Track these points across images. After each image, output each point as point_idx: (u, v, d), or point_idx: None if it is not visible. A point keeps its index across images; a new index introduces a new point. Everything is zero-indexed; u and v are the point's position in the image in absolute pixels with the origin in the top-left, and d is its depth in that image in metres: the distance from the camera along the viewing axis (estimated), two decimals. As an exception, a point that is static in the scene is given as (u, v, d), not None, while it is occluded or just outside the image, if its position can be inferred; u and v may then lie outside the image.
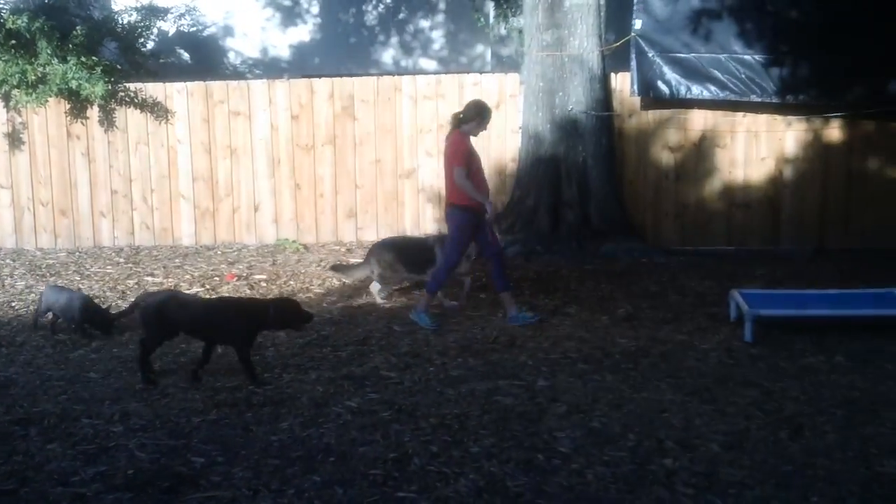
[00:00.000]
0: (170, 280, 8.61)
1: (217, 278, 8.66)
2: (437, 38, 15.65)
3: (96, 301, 7.06)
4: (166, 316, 5.43)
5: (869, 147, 9.71)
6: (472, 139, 6.82)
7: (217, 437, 4.53)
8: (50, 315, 6.79)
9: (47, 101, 10.12)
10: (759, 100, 9.46)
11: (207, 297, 7.75)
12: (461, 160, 6.62)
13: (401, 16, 15.62)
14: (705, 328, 6.61)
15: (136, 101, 10.40)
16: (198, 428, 4.65)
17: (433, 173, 10.10)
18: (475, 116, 6.76)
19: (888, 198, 9.71)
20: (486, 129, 6.96)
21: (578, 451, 4.26)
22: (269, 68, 15.12)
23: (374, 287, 7.66)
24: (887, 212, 9.70)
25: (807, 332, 6.43)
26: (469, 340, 6.35)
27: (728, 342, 6.21)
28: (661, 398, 5.03)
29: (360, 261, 8.13)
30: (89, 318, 6.58)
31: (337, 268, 8.26)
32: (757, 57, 9.44)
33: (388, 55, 15.55)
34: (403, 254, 7.62)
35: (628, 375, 5.46)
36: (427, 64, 15.38)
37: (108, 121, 10.42)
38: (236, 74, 15.18)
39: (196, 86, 10.52)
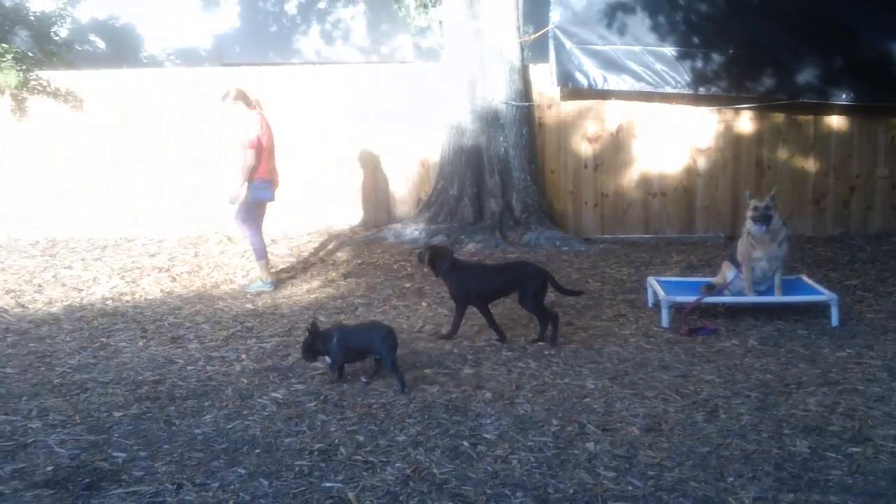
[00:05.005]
0: (88, 272, 8.38)
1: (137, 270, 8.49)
2: (359, 28, 15.57)
3: None
4: None
5: (778, 137, 10.07)
6: None
7: (139, 431, 4.47)
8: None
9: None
10: (673, 91, 9.73)
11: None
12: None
13: (321, 4, 15.48)
14: (625, 314, 6.80)
15: (48, 90, 10.08)
16: (119, 423, 4.58)
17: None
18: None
19: (795, 186, 10.12)
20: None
21: (503, 437, 4.33)
22: (187, 57, 14.81)
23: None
24: (796, 200, 10.11)
25: (721, 316, 6.68)
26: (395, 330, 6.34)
27: (646, 328, 6.40)
28: (583, 384, 5.15)
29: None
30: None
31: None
32: (670, 49, 9.70)
33: (309, 45, 15.40)
34: None
35: (551, 362, 5.58)
36: (349, 54, 15.29)
37: (20, 110, 10.08)
38: (154, 63, 14.83)
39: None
